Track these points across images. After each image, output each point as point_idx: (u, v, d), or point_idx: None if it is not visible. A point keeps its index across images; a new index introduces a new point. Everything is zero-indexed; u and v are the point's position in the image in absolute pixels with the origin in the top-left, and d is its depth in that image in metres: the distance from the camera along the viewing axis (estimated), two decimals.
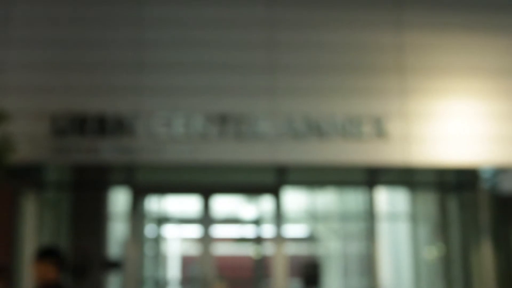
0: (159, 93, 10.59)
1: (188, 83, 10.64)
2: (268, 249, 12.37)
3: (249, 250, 14.23)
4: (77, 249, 11.57)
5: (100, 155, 10.31)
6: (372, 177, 11.84)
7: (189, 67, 10.73)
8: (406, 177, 12.45)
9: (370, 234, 11.87)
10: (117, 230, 12.40)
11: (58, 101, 10.24)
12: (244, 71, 10.77)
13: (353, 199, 13.39)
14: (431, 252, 12.69)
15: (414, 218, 12.78)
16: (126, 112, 10.44)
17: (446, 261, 12.24)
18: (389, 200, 13.46)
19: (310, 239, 16.13)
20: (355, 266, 14.25)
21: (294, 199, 13.38)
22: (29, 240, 10.62)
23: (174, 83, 10.65)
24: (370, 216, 11.88)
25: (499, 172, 11.76)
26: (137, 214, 11.58)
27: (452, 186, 12.28)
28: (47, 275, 6.07)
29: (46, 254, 6.19)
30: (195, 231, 12.32)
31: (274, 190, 11.68)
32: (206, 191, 11.71)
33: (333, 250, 15.56)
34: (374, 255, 11.76)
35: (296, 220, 14.71)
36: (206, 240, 11.55)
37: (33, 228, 10.69)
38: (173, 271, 15.18)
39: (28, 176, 10.77)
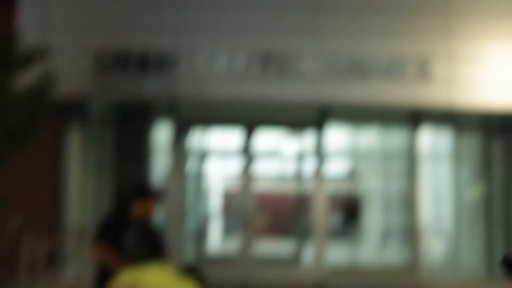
0: (202, 31, 10.56)
1: (231, 21, 10.58)
2: (309, 185, 12.45)
3: (290, 186, 14.33)
4: (120, 182, 11.79)
5: (143, 91, 10.40)
6: (416, 116, 11.74)
7: (233, 5, 10.65)
8: (451, 117, 12.31)
9: (411, 173, 11.86)
10: (160, 164, 12.58)
11: (102, 37, 10.29)
12: (288, 10, 10.65)
13: (396, 138, 13.32)
14: (473, 193, 12.64)
15: (456, 158, 12.70)
16: (169, 49, 10.45)
17: (487, 202, 12.19)
18: (432, 140, 13.35)
19: (351, 176, 16.15)
20: (396, 204, 14.29)
21: (337, 136, 13.37)
22: (74, 173, 10.84)
23: (218, 21, 10.59)
24: (412, 155, 11.84)
25: None
26: (179, 147, 11.72)
27: (497, 129, 12.13)
28: None
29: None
30: (237, 165, 12.43)
31: (317, 126, 11.67)
32: (249, 125, 11.76)
33: (374, 188, 15.58)
34: (414, 194, 11.78)
35: (337, 157, 14.72)
36: (247, 174, 11.67)
37: (78, 162, 10.90)
38: (215, 204, 15.39)
39: (73, 111, 10.92)
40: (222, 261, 13.35)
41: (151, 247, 6.34)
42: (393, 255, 13.69)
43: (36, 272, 7.52)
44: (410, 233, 11.78)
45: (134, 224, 6.24)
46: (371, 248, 15.17)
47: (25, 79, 8.58)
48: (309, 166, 12.42)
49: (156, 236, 6.44)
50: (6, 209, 7.89)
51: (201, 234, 13.60)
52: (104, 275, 6.03)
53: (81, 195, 10.92)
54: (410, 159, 11.85)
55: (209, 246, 14.57)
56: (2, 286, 9.67)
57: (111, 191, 11.60)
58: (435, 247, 13.06)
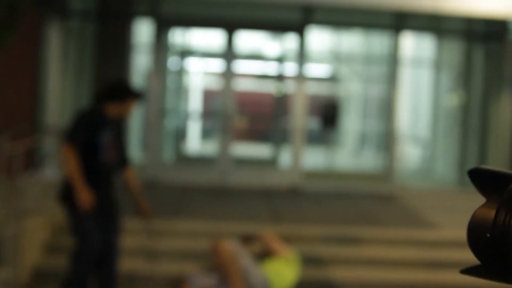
0: None
1: None
2: (289, 87, 12.48)
3: (270, 87, 14.36)
4: (100, 79, 11.73)
5: None
6: (399, 21, 11.65)
7: None
8: (434, 24, 12.25)
9: (392, 78, 11.88)
10: (141, 62, 12.50)
11: None
12: None
13: (378, 42, 13.28)
14: (452, 100, 12.73)
15: (438, 65, 12.73)
16: None
17: (465, 109, 12.31)
18: (414, 46, 13.33)
19: (332, 79, 16.18)
20: (375, 108, 14.40)
21: (319, 38, 13.29)
22: (54, 71, 10.76)
23: None
24: (393, 60, 11.82)
25: None
26: (160, 46, 11.61)
27: (479, 36, 12.10)
28: None
29: None
30: (218, 65, 12.38)
31: (299, 29, 11.57)
32: (231, 26, 11.63)
33: (354, 92, 15.66)
34: (394, 99, 11.84)
35: (319, 60, 14.71)
36: (228, 75, 11.64)
37: (57, 56, 10.79)
38: (194, 104, 15.41)
39: (54, 4, 10.71)
40: (201, 162, 13.52)
41: (118, 151, 6.23)
42: (369, 161, 13.92)
43: (15, 171, 7.58)
44: (387, 140, 11.93)
45: (110, 123, 6.07)
46: (348, 153, 15.40)
47: None
48: (290, 68, 12.41)
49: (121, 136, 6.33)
50: None
51: (180, 133, 13.69)
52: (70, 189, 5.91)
53: (60, 94, 10.87)
54: (392, 64, 11.84)
55: (188, 147, 14.71)
56: None
57: (90, 90, 11.55)
58: (410, 154, 13.27)
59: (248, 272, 6.05)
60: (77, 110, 6.26)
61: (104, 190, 6.09)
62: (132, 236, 7.89)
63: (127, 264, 7.36)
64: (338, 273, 7.60)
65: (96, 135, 5.96)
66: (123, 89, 6.14)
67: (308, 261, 7.73)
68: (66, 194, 5.94)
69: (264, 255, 6.44)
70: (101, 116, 6.04)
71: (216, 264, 6.06)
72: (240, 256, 6.07)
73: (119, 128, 6.24)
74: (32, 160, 9.80)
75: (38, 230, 7.60)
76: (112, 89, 6.15)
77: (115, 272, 6.21)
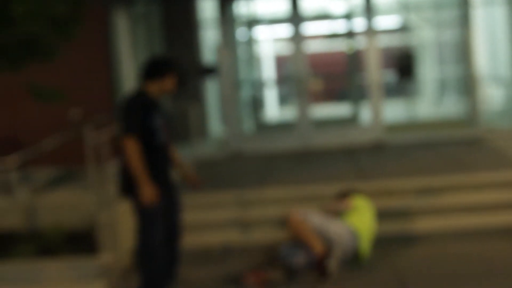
0: None
1: None
2: (360, 43, 12.30)
3: (341, 45, 14.19)
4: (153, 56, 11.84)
5: None
6: None
7: None
8: None
9: (464, 21, 11.56)
10: (209, 37, 12.55)
11: None
12: None
13: None
14: None
15: (511, 1, 12.29)
16: None
17: None
18: None
19: (403, 29, 15.87)
20: (450, 53, 14.06)
21: None
22: (125, 54, 10.90)
23: None
24: (464, 1, 11.49)
25: None
26: (226, 18, 11.61)
27: None
28: None
29: None
30: (286, 30, 12.31)
31: None
32: None
33: (427, 39, 15.31)
34: (469, 41, 11.53)
35: (387, 11, 14.42)
36: (297, 38, 11.55)
37: (128, 43, 10.94)
38: (267, 72, 15.39)
39: None
40: (281, 128, 13.52)
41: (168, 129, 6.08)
42: (450, 107, 13.63)
43: (102, 159, 7.76)
44: (467, 84, 11.64)
45: (157, 104, 5.94)
46: (428, 102, 15.12)
47: None
48: (359, 24, 12.21)
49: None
50: (65, 103, 8.05)
51: (257, 103, 13.72)
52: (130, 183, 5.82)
53: (135, 79, 11.03)
54: (463, 6, 11.52)
55: (267, 115, 14.74)
56: (72, 174, 10.05)
57: None
58: (492, 95, 12.93)
59: (324, 227, 6.31)
60: (123, 98, 6.05)
61: (166, 173, 5.99)
62: (222, 208, 8.00)
63: (220, 236, 7.48)
64: (432, 224, 7.52)
65: (149, 119, 5.78)
66: (160, 64, 5.93)
67: (399, 214, 7.67)
68: (129, 187, 5.84)
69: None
70: (147, 98, 5.88)
71: (294, 234, 6.33)
72: (310, 218, 6.32)
73: (162, 109, 6.04)
74: (117, 147, 10.00)
75: (132, 214, 7.77)
76: (149, 67, 5.95)
77: (179, 250, 6.19)
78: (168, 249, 6.05)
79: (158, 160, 5.86)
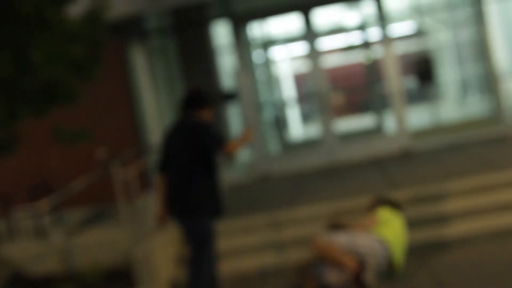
0: None
1: None
2: (378, 52, 12.29)
3: (358, 57, 14.18)
4: (191, 88, 11.92)
5: None
6: None
7: None
8: None
9: (480, 18, 11.51)
10: (226, 62, 12.62)
11: None
12: None
13: None
14: None
15: None
16: None
17: None
18: None
19: (418, 34, 15.82)
20: (469, 53, 13.98)
21: None
22: (145, 88, 10.99)
23: None
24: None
25: None
26: (241, 42, 11.68)
27: None
28: None
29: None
30: (301, 48, 12.34)
31: None
32: (306, 7, 11.56)
33: (443, 41, 15.25)
34: (486, 39, 11.47)
35: (401, 18, 14.40)
36: (314, 54, 11.58)
37: (146, 77, 11.03)
38: (287, 91, 15.41)
39: (131, 29, 10.95)
40: (306, 145, 13.51)
41: None
42: (474, 107, 13.53)
43: (132, 195, 7.82)
44: (488, 82, 11.57)
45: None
46: (451, 104, 15.02)
47: (77, 8, 8.61)
48: (374, 33, 12.21)
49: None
50: (90, 142, 8.14)
51: (280, 123, 13.73)
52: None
53: (156, 111, 11.12)
54: (476, 4, 11.47)
55: (291, 134, 14.74)
56: (103, 213, 10.13)
57: None
58: None
59: (351, 242, 6.26)
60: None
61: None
62: (256, 232, 7.99)
63: (256, 261, 7.47)
64: (466, 227, 7.44)
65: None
66: (208, 95, 6.48)
67: (433, 220, 7.61)
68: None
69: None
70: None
71: (322, 258, 6.29)
72: (336, 237, 6.27)
73: None
74: (145, 181, 10.07)
75: (166, 246, 7.80)
76: (205, 96, 6.46)
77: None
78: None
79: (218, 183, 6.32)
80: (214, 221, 6.20)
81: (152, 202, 9.16)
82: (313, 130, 12.97)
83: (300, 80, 15.33)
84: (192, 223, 6.11)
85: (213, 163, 6.22)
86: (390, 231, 6.54)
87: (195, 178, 6.10)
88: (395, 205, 6.82)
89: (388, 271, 6.49)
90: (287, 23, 12.92)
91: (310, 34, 11.54)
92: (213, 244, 6.18)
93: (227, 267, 7.48)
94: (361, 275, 6.16)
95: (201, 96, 6.43)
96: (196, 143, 6.15)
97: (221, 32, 12.48)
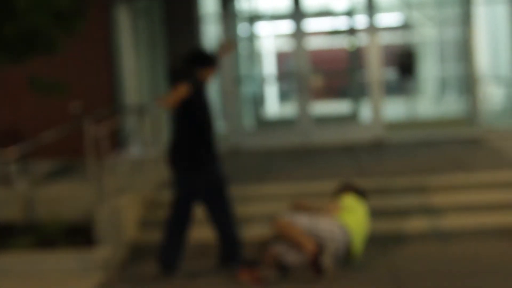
0: None
1: None
2: (362, 40, 12.30)
3: (343, 42, 14.18)
4: (172, 53, 11.84)
5: None
6: None
7: None
8: None
9: (466, 19, 11.58)
10: (210, 32, 12.53)
11: None
12: None
13: None
14: None
15: None
16: None
17: None
18: None
19: (404, 27, 15.85)
20: (452, 52, 14.05)
21: None
22: (127, 51, 10.91)
23: None
24: (466, 0, 11.50)
25: None
26: (228, 14, 11.62)
27: None
28: None
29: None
30: (287, 26, 12.30)
31: None
32: None
33: (428, 37, 15.31)
34: (471, 40, 11.55)
35: (389, 9, 14.41)
36: (299, 34, 11.56)
37: (129, 38, 10.94)
38: (268, 68, 15.38)
39: None
40: (281, 124, 13.53)
41: None
42: (451, 106, 13.63)
43: (101, 153, 7.79)
44: (468, 83, 11.65)
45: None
46: (429, 100, 15.11)
47: None
48: (361, 21, 12.21)
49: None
50: (65, 96, 8.07)
51: (257, 99, 13.72)
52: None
53: (136, 73, 11.05)
54: (465, 4, 11.52)
55: (267, 111, 14.74)
56: (71, 167, 10.07)
57: (164, 66, 11.69)
58: (493, 95, 12.92)
59: (313, 225, 6.28)
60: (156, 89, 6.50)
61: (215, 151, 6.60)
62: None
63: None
64: (428, 223, 7.52)
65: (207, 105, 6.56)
66: (212, 54, 6.53)
67: (396, 212, 7.67)
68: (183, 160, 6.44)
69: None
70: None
71: (282, 237, 6.30)
72: (298, 219, 6.29)
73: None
74: (117, 141, 10.03)
75: (131, 207, 7.79)
76: (206, 55, 6.55)
77: (237, 240, 6.63)
78: (225, 238, 6.60)
79: (208, 142, 6.49)
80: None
81: (121, 162, 9.15)
82: (290, 110, 12.99)
83: (282, 58, 15.31)
84: None
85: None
86: (352, 218, 6.57)
87: None
88: (360, 193, 6.85)
89: (346, 257, 6.54)
90: (276, 0, 12.88)
91: (297, 14, 11.51)
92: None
93: (189, 235, 7.50)
94: (318, 258, 6.20)
95: (205, 55, 6.53)
96: None
97: (209, 1, 12.39)
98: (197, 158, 6.34)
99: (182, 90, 6.21)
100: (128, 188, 8.03)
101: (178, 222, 6.49)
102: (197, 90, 6.34)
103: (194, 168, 6.34)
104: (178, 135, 6.44)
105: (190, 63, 6.49)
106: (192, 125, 6.38)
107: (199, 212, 6.76)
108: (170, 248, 6.47)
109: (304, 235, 6.29)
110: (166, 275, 6.46)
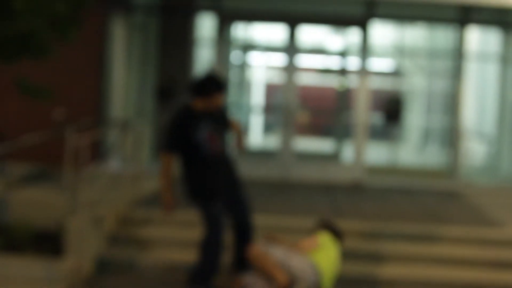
0: None
1: None
2: (352, 82, 12.37)
3: (333, 82, 14.25)
4: (163, 72, 11.85)
5: None
6: (464, 14, 11.45)
7: None
8: (500, 17, 11.99)
9: (457, 73, 11.69)
10: (203, 56, 12.56)
11: None
12: None
13: (443, 36, 13.05)
14: None
15: (504, 59, 12.43)
16: None
17: None
18: (480, 40, 13.06)
19: (395, 74, 15.97)
20: (439, 103, 14.17)
21: (382, 33, 13.14)
22: (118, 66, 10.89)
23: None
24: (458, 54, 11.63)
25: None
26: (223, 40, 11.66)
27: None
28: None
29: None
30: (280, 59, 12.36)
31: (362, 23, 11.49)
32: (293, 20, 11.61)
33: (417, 87, 15.43)
34: (459, 94, 11.65)
35: (382, 54, 14.52)
36: (290, 69, 11.62)
37: (122, 51, 10.93)
38: (256, 98, 15.40)
39: (117, 1, 10.86)
40: (263, 156, 13.50)
41: (223, 132, 6.62)
42: (433, 157, 13.70)
43: (80, 162, 7.73)
44: (451, 136, 11.73)
45: (203, 117, 6.37)
46: (411, 149, 15.18)
47: None
48: (353, 63, 12.30)
49: (224, 117, 6.66)
50: (51, 102, 8.03)
51: (242, 128, 13.68)
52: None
53: (124, 88, 11.02)
54: (457, 58, 11.65)
55: (250, 141, 14.71)
56: (48, 174, 9.99)
57: (155, 84, 11.68)
58: (475, 151, 13.02)
59: (287, 261, 6.24)
60: (170, 113, 6.56)
61: (217, 176, 6.44)
62: (193, 229, 7.94)
63: (189, 256, 7.41)
64: (399, 271, 7.51)
65: (192, 135, 6.30)
66: (207, 84, 6.39)
67: (369, 257, 7.66)
68: (187, 188, 6.43)
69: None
70: (191, 114, 6.35)
71: (254, 266, 6.26)
72: (273, 251, 6.26)
73: (218, 117, 6.55)
74: (97, 153, 9.97)
75: (104, 221, 7.72)
76: (197, 84, 6.41)
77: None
78: (240, 244, 6.65)
79: (206, 168, 6.37)
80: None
81: (98, 175, 9.07)
82: (273, 142, 12.98)
83: (271, 90, 15.33)
84: None
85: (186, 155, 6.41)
86: (324, 257, 6.53)
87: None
88: (337, 233, 6.81)
89: None
90: (272, 32, 12.94)
91: (291, 48, 11.58)
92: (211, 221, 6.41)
93: (158, 256, 7.45)
94: None
95: (200, 83, 6.44)
96: None
97: (205, 25, 12.43)
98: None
99: (165, 161, 6.33)
100: (103, 202, 7.96)
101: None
102: (185, 121, 6.33)
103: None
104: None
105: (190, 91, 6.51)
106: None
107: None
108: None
109: (277, 267, 6.24)
110: None
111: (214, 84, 6.40)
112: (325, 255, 6.55)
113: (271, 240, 6.75)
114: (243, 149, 7.05)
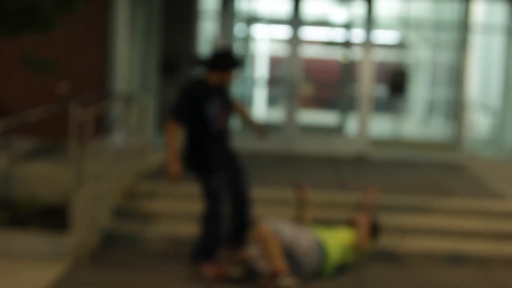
0: None
1: None
2: (357, 54, 12.34)
3: (337, 54, 14.23)
4: (167, 45, 11.83)
5: None
6: None
7: None
8: None
9: (462, 45, 11.63)
10: (207, 28, 12.54)
11: None
12: None
13: (448, 8, 12.99)
14: None
15: (510, 32, 12.36)
16: None
17: None
18: (485, 12, 12.99)
19: (400, 46, 15.93)
20: (444, 76, 14.14)
21: (387, 4, 13.08)
22: (122, 39, 10.86)
23: None
24: (464, 26, 11.57)
25: None
26: (227, 12, 11.61)
27: None
28: None
29: None
30: (284, 32, 12.32)
31: None
32: None
33: (422, 59, 15.40)
34: (464, 66, 11.61)
35: (387, 26, 14.48)
36: (295, 41, 11.57)
37: (125, 24, 10.88)
38: (260, 71, 15.39)
39: None
40: (267, 128, 13.49)
41: (229, 110, 6.64)
42: (437, 129, 13.70)
43: (84, 137, 7.74)
44: (456, 108, 11.72)
45: (215, 92, 6.39)
46: (415, 121, 15.19)
47: None
48: (357, 35, 12.25)
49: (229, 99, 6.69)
50: (56, 75, 8.03)
51: (246, 101, 13.70)
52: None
53: (128, 61, 10.99)
54: (462, 30, 11.59)
55: (255, 114, 14.72)
56: (53, 148, 10.01)
57: (158, 56, 11.65)
58: (480, 123, 13.01)
59: (294, 240, 6.24)
60: (182, 82, 6.56)
61: (221, 153, 6.49)
62: (197, 201, 7.98)
63: (193, 228, 7.46)
64: (403, 243, 7.54)
65: (202, 108, 6.30)
66: (226, 58, 6.41)
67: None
68: (190, 161, 6.43)
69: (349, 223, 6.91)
70: (204, 87, 6.37)
71: (259, 243, 6.26)
72: (281, 229, 6.25)
73: (226, 93, 6.57)
74: (101, 127, 9.98)
75: (109, 195, 7.76)
76: (215, 58, 6.42)
77: (247, 221, 6.74)
78: (238, 217, 6.68)
79: (212, 144, 6.39)
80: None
81: (103, 148, 9.09)
82: (277, 115, 12.99)
83: (275, 63, 15.31)
84: None
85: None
86: (335, 241, 6.56)
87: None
88: (376, 229, 6.94)
89: (317, 273, 6.50)
90: (276, 4, 12.89)
91: (295, 20, 11.52)
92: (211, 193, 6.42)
93: (163, 229, 7.50)
94: (278, 280, 6.11)
95: (216, 57, 6.43)
96: None
97: None
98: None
99: (171, 130, 6.33)
100: (108, 176, 7.99)
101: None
102: (198, 93, 6.34)
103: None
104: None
105: (204, 64, 6.48)
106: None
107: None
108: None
109: (280, 254, 6.20)
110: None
111: (232, 59, 6.40)
112: (336, 240, 6.58)
113: (298, 191, 6.86)
114: (265, 138, 7.11)
